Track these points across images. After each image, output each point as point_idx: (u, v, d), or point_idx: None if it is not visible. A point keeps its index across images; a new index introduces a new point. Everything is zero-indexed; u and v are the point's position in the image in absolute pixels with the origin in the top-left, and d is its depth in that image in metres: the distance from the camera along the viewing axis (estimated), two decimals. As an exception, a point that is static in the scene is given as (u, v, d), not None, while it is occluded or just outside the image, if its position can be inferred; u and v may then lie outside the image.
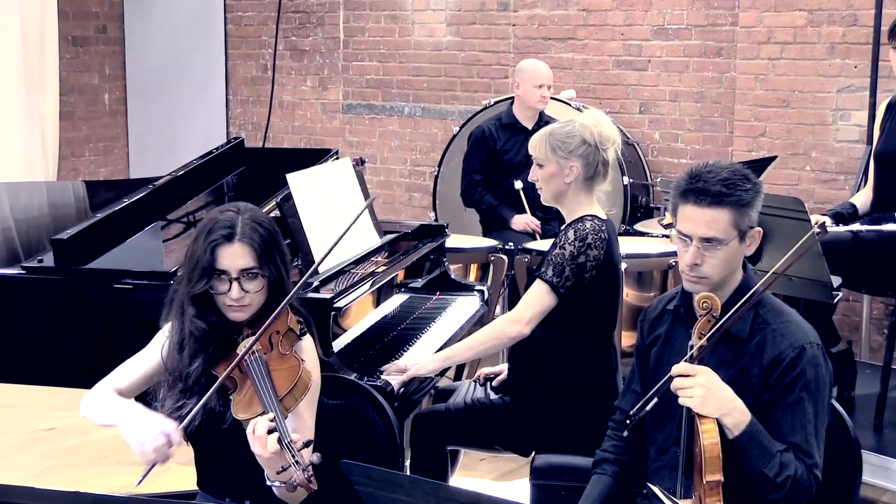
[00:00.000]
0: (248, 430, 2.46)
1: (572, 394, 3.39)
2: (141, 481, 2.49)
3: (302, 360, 2.62)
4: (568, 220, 3.43)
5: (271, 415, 2.46)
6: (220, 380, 2.56)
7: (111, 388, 2.74)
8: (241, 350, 2.58)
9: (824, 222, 4.13)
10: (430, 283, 4.26)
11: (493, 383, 3.65)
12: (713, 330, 2.53)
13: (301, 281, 2.68)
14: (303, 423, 2.62)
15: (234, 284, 2.61)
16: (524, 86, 5.64)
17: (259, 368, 2.55)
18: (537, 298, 3.33)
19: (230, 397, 2.58)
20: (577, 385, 3.39)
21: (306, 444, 2.43)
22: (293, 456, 2.37)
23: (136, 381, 2.75)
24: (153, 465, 2.53)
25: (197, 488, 2.83)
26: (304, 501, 2.64)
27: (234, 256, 2.62)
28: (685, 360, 2.54)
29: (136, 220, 3.89)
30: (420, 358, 3.46)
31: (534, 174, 3.44)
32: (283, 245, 2.73)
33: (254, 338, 2.58)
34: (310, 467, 2.37)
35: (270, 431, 2.42)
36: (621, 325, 4.73)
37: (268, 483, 2.49)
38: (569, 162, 3.35)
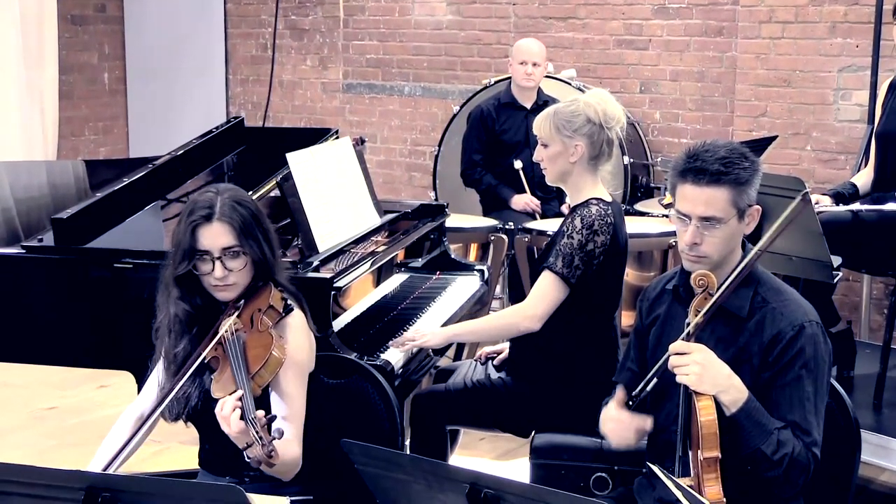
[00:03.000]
0: (217, 410, 2.49)
1: (573, 374, 3.39)
2: None
3: (279, 336, 2.63)
4: (572, 202, 3.41)
5: (239, 393, 2.49)
6: (193, 365, 2.59)
7: (137, 412, 2.78)
8: (221, 329, 2.60)
9: (806, 192, 4.11)
10: (430, 263, 4.26)
11: (494, 362, 3.66)
12: (708, 306, 2.54)
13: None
14: (290, 400, 2.64)
15: (217, 264, 2.64)
16: (513, 64, 5.65)
17: (235, 347, 2.58)
18: (549, 292, 3.31)
19: (212, 377, 2.60)
20: (579, 365, 3.40)
21: (270, 420, 2.45)
22: (257, 432, 2.40)
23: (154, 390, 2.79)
24: None
25: (198, 467, 2.85)
26: (306, 478, 2.66)
27: (214, 235, 2.65)
28: (682, 338, 2.55)
29: (135, 200, 3.88)
30: (428, 329, 3.47)
31: (538, 154, 3.43)
32: (265, 223, 2.75)
33: (232, 314, 2.60)
34: (272, 442, 2.39)
35: (236, 410, 2.46)
36: (621, 306, 4.73)
37: (246, 459, 2.51)
38: (573, 141, 3.34)
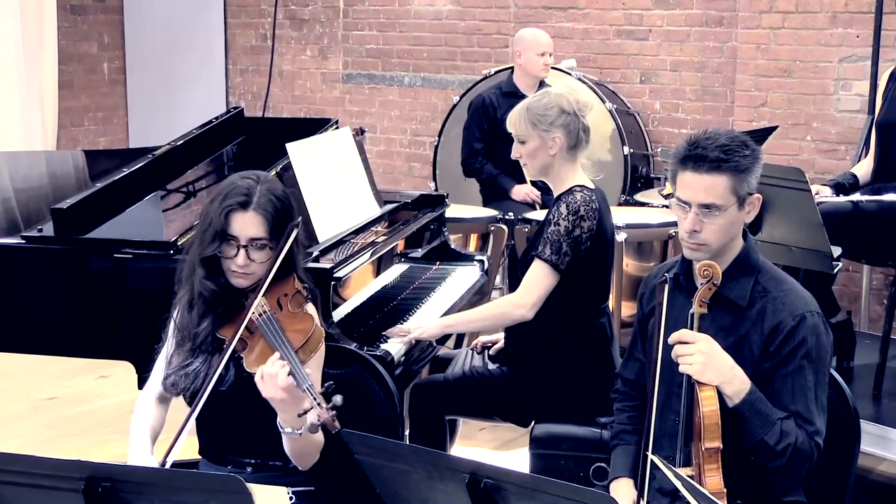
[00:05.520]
0: (257, 376, 2.50)
1: (568, 363, 3.40)
2: None
3: (313, 317, 2.64)
4: (556, 193, 3.43)
5: (278, 354, 2.51)
6: (231, 345, 2.58)
7: (153, 397, 2.80)
8: (250, 310, 2.60)
9: (806, 182, 4.11)
10: (430, 253, 4.26)
11: (491, 352, 3.67)
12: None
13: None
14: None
15: (242, 252, 2.64)
16: (526, 55, 5.63)
17: (272, 324, 2.59)
18: (540, 280, 3.33)
19: (240, 356, 2.60)
20: (573, 354, 3.40)
21: (328, 388, 2.44)
22: (314, 398, 2.40)
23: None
24: None
25: (199, 456, 2.85)
26: (308, 470, 2.67)
27: (246, 224, 2.64)
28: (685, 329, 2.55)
29: (135, 190, 3.88)
30: (423, 322, 3.48)
31: (516, 151, 3.44)
32: (296, 219, 2.73)
33: (258, 294, 2.61)
34: (333, 406, 2.39)
35: (284, 367, 2.47)
36: (621, 296, 4.74)
37: (280, 430, 2.52)
38: (550, 134, 3.35)
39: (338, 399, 2.41)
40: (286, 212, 2.69)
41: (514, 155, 3.47)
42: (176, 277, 2.78)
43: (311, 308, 2.73)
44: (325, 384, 2.45)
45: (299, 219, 2.81)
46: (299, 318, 2.64)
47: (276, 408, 2.52)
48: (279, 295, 2.68)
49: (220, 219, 2.64)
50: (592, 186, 3.40)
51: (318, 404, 2.39)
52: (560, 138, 3.35)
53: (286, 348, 2.54)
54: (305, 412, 2.41)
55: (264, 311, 2.62)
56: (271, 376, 2.47)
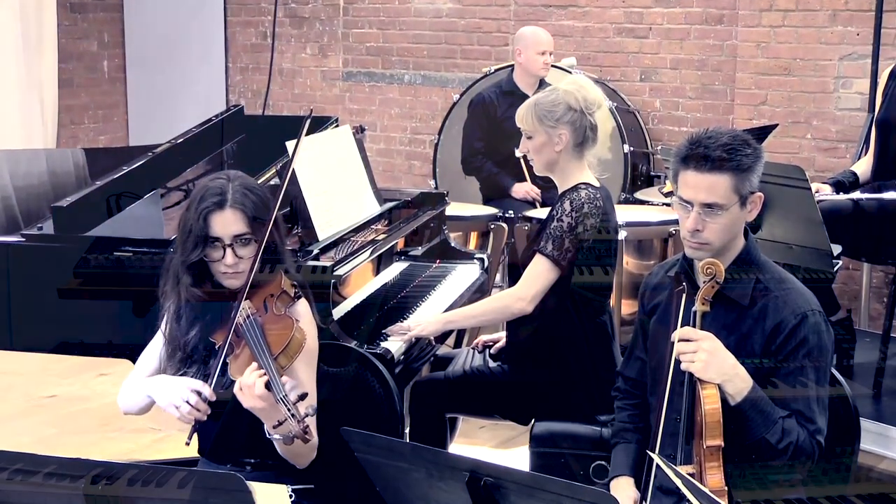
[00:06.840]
0: (236, 387, 2.51)
1: (569, 361, 3.40)
2: (189, 441, 2.57)
3: (296, 320, 2.64)
4: (561, 189, 3.43)
5: (255, 365, 2.51)
6: (226, 343, 2.58)
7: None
8: (235, 314, 2.60)
9: (807, 181, 4.10)
10: (430, 251, 4.26)
11: (492, 350, 3.67)
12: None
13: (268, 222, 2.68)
14: (303, 386, 2.63)
15: (228, 251, 2.63)
16: (526, 53, 5.63)
17: (254, 329, 2.58)
18: (540, 275, 3.33)
19: (227, 360, 2.60)
20: (574, 353, 3.40)
21: (301, 398, 2.46)
22: (289, 409, 2.40)
23: (156, 369, 2.78)
24: (195, 423, 2.58)
25: (198, 455, 2.85)
26: (308, 468, 2.67)
27: (227, 223, 2.64)
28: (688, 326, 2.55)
29: (135, 188, 3.88)
30: (423, 319, 3.48)
31: (524, 146, 3.45)
32: (274, 210, 2.73)
33: (243, 297, 2.61)
34: (306, 419, 2.40)
35: (260, 378, 2.47)
36: (621, 294, 4.74)
37: (268, 436, 2.52)
38: (557, 130, 3.35)
39: (310, 409, 2.43)
40: (263, 203, 2.69)
41: (521, 150, 3.48)
42: (160, 291, 2.77)
43: (300, 307, 2.72)
44: (300, 394, 2.46)
45: (310, 110, 2.79)
46: (282, 322, 2.63)
47: (258, 416, 2.52)
48: (265, 296, 2.67)
49: (199, 223, 2.63)
50: (597, 185, 3.41)
51: (292, 415, 2.40)
52: (566, 135, 3.35)
53: (265, 357, 2.53)
54: (280, 423, 2.42)
55: (249, 316, 2.61)
56: (248, 387, 2.48)
